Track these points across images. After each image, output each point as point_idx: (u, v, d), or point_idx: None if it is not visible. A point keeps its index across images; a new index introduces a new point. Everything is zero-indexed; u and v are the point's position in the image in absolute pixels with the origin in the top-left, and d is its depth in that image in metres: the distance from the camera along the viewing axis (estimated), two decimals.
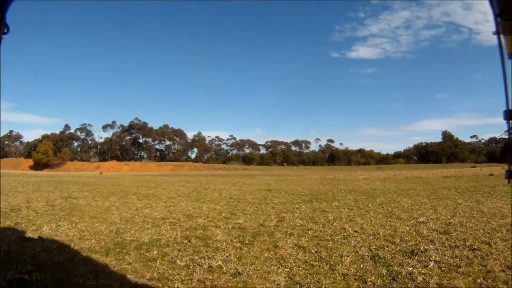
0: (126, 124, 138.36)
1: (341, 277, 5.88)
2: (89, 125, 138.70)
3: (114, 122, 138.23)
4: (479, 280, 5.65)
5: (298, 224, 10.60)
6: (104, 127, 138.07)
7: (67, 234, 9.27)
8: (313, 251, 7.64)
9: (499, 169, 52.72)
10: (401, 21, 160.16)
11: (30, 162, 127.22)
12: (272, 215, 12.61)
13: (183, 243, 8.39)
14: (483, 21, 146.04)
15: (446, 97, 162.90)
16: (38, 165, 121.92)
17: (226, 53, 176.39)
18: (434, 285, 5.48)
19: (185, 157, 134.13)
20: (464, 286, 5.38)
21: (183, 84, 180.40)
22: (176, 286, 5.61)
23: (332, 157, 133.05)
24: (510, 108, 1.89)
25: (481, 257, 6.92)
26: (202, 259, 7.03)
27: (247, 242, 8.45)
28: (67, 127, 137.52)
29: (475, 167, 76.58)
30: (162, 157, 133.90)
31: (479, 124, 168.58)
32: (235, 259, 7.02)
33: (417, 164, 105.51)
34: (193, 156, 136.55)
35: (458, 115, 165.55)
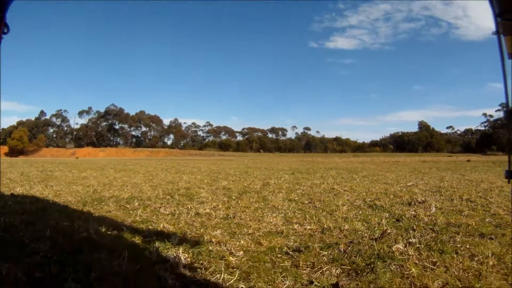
0: (102, 110, 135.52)
1: (342, 219, 5.47)
2: (64, 111, 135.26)
3: (90, 108, 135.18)
4: (487, 219, 5.32)
5: (285, 186, 10.20)
6: (80, 113, 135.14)
7: (42, 193, 8.75)
8: (306, 202, 7.25)
9: (476, 158, 53.68)
10: (380, 14, 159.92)
11: (5, 149, 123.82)
12: (256, 180, 12.21)
13: (165, 198, 7.93)
14: (462, 16, 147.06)
15: (423, 89, 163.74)
16: (13, 152, 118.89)
17: (202, 40, 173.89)
18: (443, 223, 5.09)
19: (161, 143, 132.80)
20: (474, 223, 5.00)
21: (160, 70, 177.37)
22: (162, 226, 5.09)
23: (308, 144, 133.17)
24: (511, 108, 1.76)
25: (482, 206, 6.65)
26: (188, 208, 6.57)
27: (234, 197, 8.02)
28: (42, 113, 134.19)
29: (451, 156, 77.60)
30: (138, 143, 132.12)
31: (455, 116, 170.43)
32: (223, 208, 6.57)
33: (393, 152, 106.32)
34: (169, 142, 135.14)
35: (435, 107, 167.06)
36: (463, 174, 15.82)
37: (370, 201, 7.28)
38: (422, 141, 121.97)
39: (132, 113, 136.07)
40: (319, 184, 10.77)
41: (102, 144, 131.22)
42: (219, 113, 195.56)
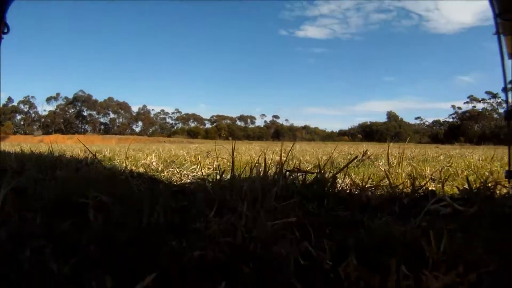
0: (70, 96, 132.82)
1: (320, 156, 5.35)
2: (32, 97, 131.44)
3: (58, 94, 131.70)
4: (467, 154, 5.28)
5: (257, 148, 10.08)
6: (48, 100, 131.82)
7: (9, 150, 8.47)
8: (284, 149, 7.12)
9: (443, 146, 55.36)
10: (352, 3, 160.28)
11: None
12: (228, 147, 12.08)
13: (135, 151, 7.69)
14: (433, 8, 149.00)
15: (393, 80, 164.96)
16: None
17: (170, 26, 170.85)
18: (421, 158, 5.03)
19: (129, 130, 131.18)
20: (452, 161, 4.95)
21: (128, 56, 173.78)
22: (131, 153, 4.88)
23: (277, 132, 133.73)
24: (510, 108, 1.72)
25: (459, 156, 6.64)
26: (160, 151, 6.39)
27: (206, 151, 7.84)
28: (10, 99, 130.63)
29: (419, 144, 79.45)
30: (106, 130, 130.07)
31: (424, 108, 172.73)
32: (195, 153, 6.37)
33: (362, 142, 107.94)
34: (137, 129, 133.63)
35: (404, 98, 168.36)
36: (433, 149, 16.06)
37: (344, 153, 7.22)
38: (391, 131, 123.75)
39: (101, 99, 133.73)
40: (293, 148, 10.71)
41: (70, 131, 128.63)
42: (187, 100, 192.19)
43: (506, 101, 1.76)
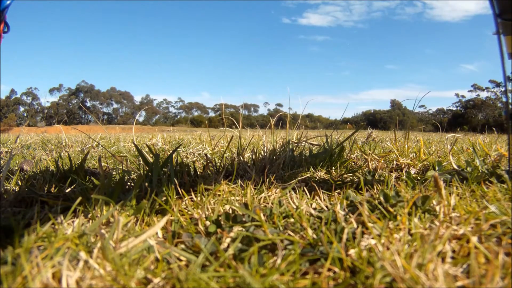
0: (73, 87, 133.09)
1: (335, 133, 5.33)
2: (35, 88, 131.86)
3: (61, 85, 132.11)
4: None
5: (262, 134, 10.04)
6: (51, 91, 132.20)
7: (7, 139, 8.46)
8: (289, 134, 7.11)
9: (446, 134, 55.19)
10: None
11: None
12: (232, 132, 12.06)
13: (140, 137, 7.69)
14: None
15: (396, 68, 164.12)
16: None
17: (173, 15, 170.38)
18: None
19: (133, 120, 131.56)
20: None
21: (129, 46, 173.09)
22: (136, 137, 4.87)
23: (280, 120, 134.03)
24: (510, 110, 1.71)
25: (462, 137, 6.61)
26: (164, 136, 6.37)
27: (211, 135, 7.82)
28: (13, 91, 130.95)
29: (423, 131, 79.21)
30: (109, 120, 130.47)
31: (427, 96, 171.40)
32: (199, 139, 6.36)
33: (366, 130, 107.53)
34: (141, 119, 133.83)
35: (407, 87, 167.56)
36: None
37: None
38: (394, 119, 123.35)
39: (103, 89, 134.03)
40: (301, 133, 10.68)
41: (73, 122, 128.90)
42: (190, 89, 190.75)
43: (507, 103, 1.75)
